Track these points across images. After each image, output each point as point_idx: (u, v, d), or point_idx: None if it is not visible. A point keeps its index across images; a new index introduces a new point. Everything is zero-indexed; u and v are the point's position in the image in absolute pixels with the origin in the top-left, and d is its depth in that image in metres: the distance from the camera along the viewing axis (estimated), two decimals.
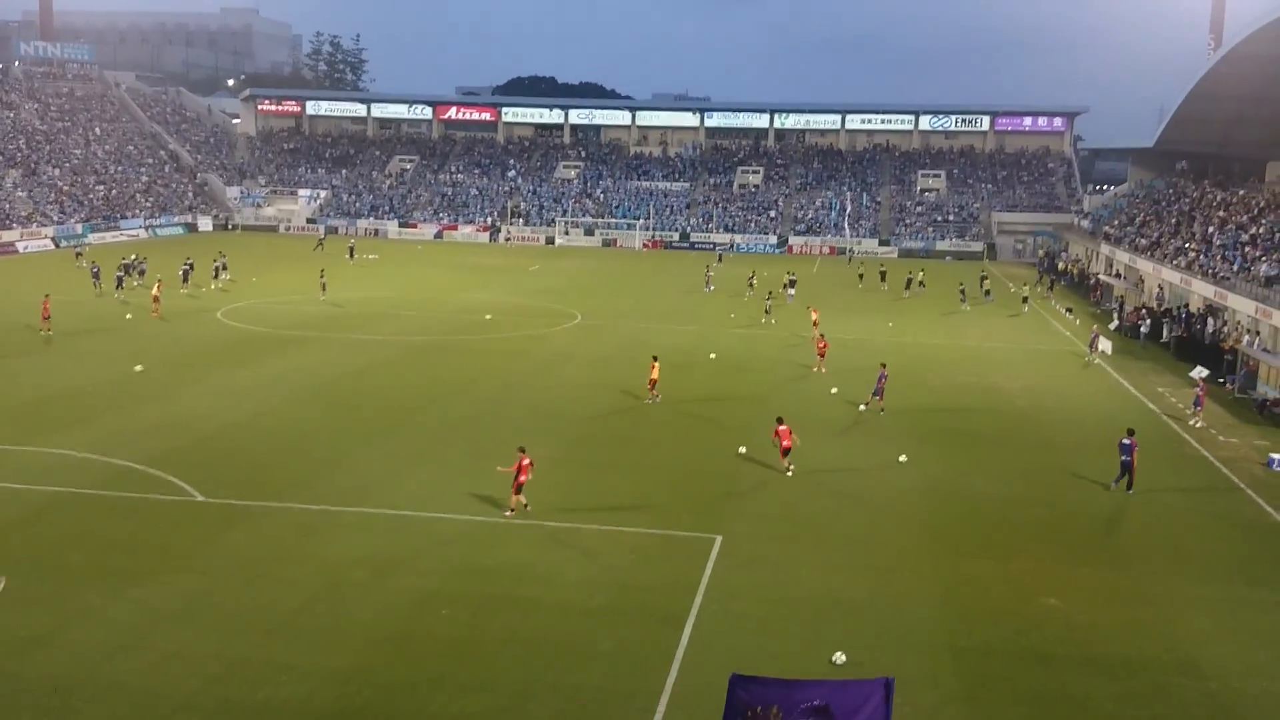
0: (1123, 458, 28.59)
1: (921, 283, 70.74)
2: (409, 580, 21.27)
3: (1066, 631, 19.93)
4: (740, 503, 26.92)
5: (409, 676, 17.43)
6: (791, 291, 64.59)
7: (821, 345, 43.48)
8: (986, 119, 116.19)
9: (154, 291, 53.10)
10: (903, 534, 25.00)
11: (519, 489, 24.78)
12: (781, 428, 29.10)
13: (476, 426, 33.35)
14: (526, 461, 24.70)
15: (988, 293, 69.04)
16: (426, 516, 24.90)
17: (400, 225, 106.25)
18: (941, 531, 25.29)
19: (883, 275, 75.21)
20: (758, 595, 21.07)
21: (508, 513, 24.87)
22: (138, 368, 39.83)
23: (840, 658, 18.30)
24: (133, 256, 65.54)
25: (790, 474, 28.86)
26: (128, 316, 51.08)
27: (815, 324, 49.15)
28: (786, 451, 29.02)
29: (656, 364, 37.69)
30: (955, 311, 62.57)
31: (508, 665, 17.91)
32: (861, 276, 75.35)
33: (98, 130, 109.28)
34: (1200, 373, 42.77)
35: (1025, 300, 65.93)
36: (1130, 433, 29.06)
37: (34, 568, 21.31)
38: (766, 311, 57.51)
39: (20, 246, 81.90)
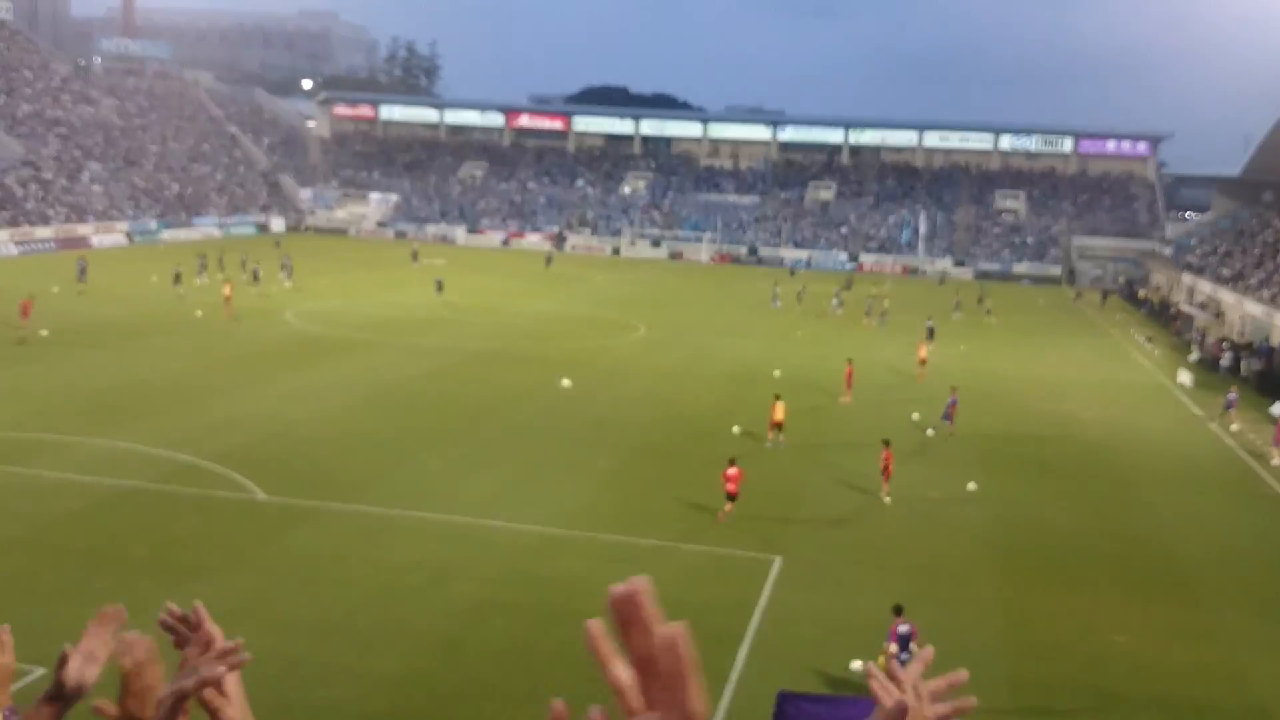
0: None
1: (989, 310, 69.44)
2: (464, 587, 21.22)
3: (1133, 670, 19.37)
4: (801, 525, 26.55)
5: (461, 684, 17.35)
6: (836, 301, 65.61)
7: (849, 371, 40.65)
8: (1069, 141, 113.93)
9: (225, 291, 53.17)
10: (968, 563, 24.49)
11: (731, 497, 25.40)
12: (886, 451, 28.42)
13: (537, 436, 33.28)
14: (733, 471, 25.42)
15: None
16: (484, 524, 24.84)
17: (469, 231, 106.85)
18: (1008, 562, 24.74)
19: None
20: (816, 619, 20.73)
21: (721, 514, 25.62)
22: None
23: (857, 665, 18.10)
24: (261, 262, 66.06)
25: (887, 500, 28.30)
26: (198, 314, 51.73)
27: (923, 360, 45.55)
28: (889, 477, 28.45)
29: (780, 403, 33.64)
30: (1025, 334, 61.36)
31: (560, 678, 17.65)
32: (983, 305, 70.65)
33: (175, 128, 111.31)
34: None
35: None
36: None
37: (96, 559, 21.58)
38: (929, 334, 52.61)
39: (94, 240, 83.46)
